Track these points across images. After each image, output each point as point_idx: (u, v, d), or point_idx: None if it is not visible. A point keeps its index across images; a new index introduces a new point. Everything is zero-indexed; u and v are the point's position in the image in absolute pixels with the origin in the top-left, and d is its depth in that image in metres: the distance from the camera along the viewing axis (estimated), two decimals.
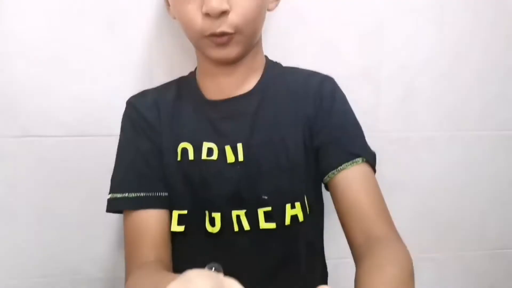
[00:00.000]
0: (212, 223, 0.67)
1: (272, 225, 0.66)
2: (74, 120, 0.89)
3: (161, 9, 0.87)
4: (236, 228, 0.67)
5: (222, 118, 0.70)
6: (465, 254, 1.12)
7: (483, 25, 0.98)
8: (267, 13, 0.71)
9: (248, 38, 0.65)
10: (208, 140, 0.69)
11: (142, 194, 0.67)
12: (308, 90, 0.71)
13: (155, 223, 0.66)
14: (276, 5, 0.72)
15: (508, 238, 1.13)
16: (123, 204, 0.67)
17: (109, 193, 0.69)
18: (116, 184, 0.69)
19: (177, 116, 0.71)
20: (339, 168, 0.65)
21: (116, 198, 0.67)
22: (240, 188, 0.67)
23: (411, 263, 0.56)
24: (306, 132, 0.69)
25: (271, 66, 0.75)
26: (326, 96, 0.70)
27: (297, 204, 0.67)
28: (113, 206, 0.68)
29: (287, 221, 0.66)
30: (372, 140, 0.96)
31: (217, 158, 0.68)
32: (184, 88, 0.74)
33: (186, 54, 0.86)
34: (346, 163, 0.65)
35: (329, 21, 0.93)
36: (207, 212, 0.67)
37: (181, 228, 0.68)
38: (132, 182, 0.68)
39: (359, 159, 0.65)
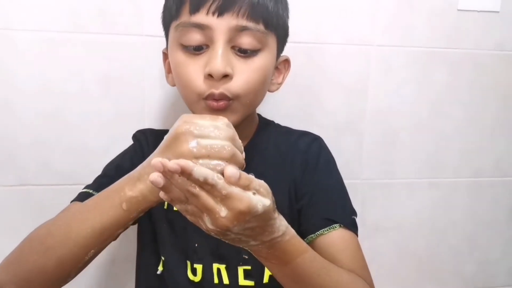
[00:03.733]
0: (194, 273, 0.68)
1: (251, 283, 0.68)
2: (69, 169, 0.91)
3: (155, 66, 0.90)
4: (216, 281, 0.68)
5: None
6: None
7: (461, 80, 1.03)
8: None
9: (245, 108, 0.64)
10: None
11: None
12: (296, 152, 0.71)
13: None
14: (278, 88, 0.71)
15: (484, 276, 1.17)
16: (82, 195, 0.67)
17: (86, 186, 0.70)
18: (92, 182, 0.70)
19: None
20: (316, 233, 0.65)
21: (84, 192, 0.68)
22: (223, 244, 0.67)
23: None
24: (292, 194, 0.69)
25: (263, 126, 0.75)
26: (312, 159, 0.70)
27: None
28: (76, 197, 0.67)
29: (265, 279, 0.68)
30: (355, 187, 1.03)
31: None
32: None
33: (179, 107, 0.89)
34: (323, 229, 0.65)
35: (314, 73, 0.96)
36: (189, 262, 0.68)
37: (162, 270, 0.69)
38: (99, 181, 0.69)
39: (336, 225, 0.65)
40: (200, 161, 0.47)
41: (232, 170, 0.43)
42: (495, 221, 1.14)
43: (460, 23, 0.99)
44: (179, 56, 0.61)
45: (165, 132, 0.68)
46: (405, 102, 1.02)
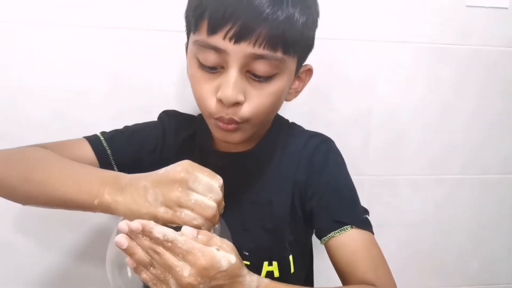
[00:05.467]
0: None
1: None
2: None
3: (165, 61, 0.90)
4: None
5: (219, 168, 0.72)
6: None
7: (470, 77, 1.02)
8: None
9: (255, 127, 0.63)
10: None
11: (107, 147, 0.71)
12: (303, 155, 0.70)
13: (87, 161, 0.68)
14: (296, 96, 0.70)
15: (488, 274, 1.18)
16: (93, 137, 0.71)
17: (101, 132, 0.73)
18: (109, 131, 0.74)
19: (184, 152, 0.73)
20: (328, 235, 0.65)
21: (97, 136, 0.72)
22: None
23: None
24: (296, 196, 0.69)
25: (277, 126, 0.74)
26: (319, 161, 0.70)
27: (275, 263, 0.69)
28: (89, 136, 0.72)
29: (262, 275, 0.69)
30: (361, 183, 1.02)
31: None
32: (200, 129, 0.73)
33: (188, 102, 0.88)
34: (334, 232, 0.65)
35: (323, 69, 0.95)
36: None
37: None
38: (113, 136, 0.72)
39: (348, 227, 0.65)
40: (184, 211, 0.49)
41: (188, 229, 0.47)
42: (500, 219, 1.14)
43: (469, 19, 0.99)
44: (195, 71, 0.61)
45: (188, 117, 0.69)
46: (413, 99, 1.02)
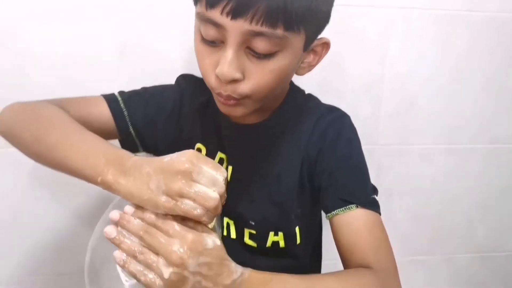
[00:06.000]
0: None
1: (254, 244, 0.71)
2: None
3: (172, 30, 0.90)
4: (225, 233, 0.72)
5: (231, 138, 0.72)
6: (455, 257, 1.19)
7: (483, 45, 1.01)
8: None
9: (258, 103, 0.62)
10: (222, 151, 0.72)
11: (124, 107, 0.71)
12: (316, 129, 0.69)
13: (103, 119, 0.70)
14: (308, 71, 0.67)
15: (496, 242, 1.20)
16: (111, 97, 0.72)
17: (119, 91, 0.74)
18: (128, 91, 0.74)
19: (199, 118, 0.73)
20: (333, 212, 0.65)
21: (114, 96, 0.72)
22: (234, 205, 0.69)
23: None
24: (305, 170, 0.69)
25: (292, 98, 0.72)
26: (331, 137, 0.68)
27: (280, 233, 0.70)
28: (107, 95, 0.72)
29: (268, 244, 0.70)
30: (372, 152, 1.03)
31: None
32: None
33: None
34: (339, 209, 0.64)
35: (333, 36, 0.95)
36: None
37: None
38: (131, 96, 0.73)
39: (353, 206, 0.64)
40: (184, 200, 0.48)
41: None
42: (509, 188, 1.15)
43: None
44: (198, 44, 0.60)
45: (205, 83, 0.65)
46: (425, 67, 1.01)
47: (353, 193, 0.65)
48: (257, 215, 0.70)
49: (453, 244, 1.18)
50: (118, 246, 0.49)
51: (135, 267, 0.48)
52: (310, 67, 0.66)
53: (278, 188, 0.70)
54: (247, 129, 0.71)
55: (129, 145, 0.74)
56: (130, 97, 0.73)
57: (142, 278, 0.48)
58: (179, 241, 0.47)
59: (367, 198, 0.66)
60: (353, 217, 0.64)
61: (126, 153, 0.54)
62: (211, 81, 0.59)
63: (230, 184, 0.66)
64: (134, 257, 0.48)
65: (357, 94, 1.00)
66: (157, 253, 0.48)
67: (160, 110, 0.74)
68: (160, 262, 0.47)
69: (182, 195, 0.48)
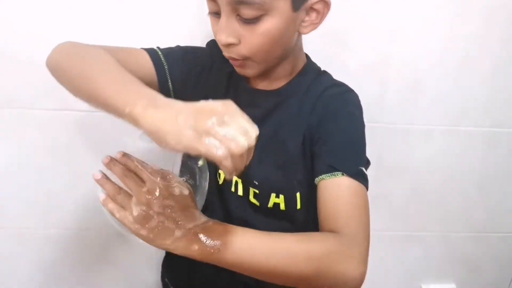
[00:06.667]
0: (219, 176, 0.79)
1: (257, 203, 0.76)
2: None
3: None
4: (233, 189, 0.78)
5: (246, 101, 0.76)
6: (451, 235, 1.23)
7: (493, 30, 1.02)
8: None
9: (261, 63, 0.69)
10: None
11: (164, 61, 0.77)
12: (320, 99, 0.74)
13: (146, 71, 0.75)
14: (314, 28, 0.70)
15: (491, 223, 1.24)
16: (152, 50, 0.77)
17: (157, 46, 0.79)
18: (166, 47, 0.80)
19: (224, 82, 0.80)
20: (320, 177, 0.67)
21: (154, 49, 0.78)
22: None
23: (328, 262, 0.58)
24: (307, 138, 0.73)
25: (306, 71, 0.78)
26: (333, 108, 0.73)
27: (282, 196, 0.74)
28: (147, 48, 0.78)
29: (270, 204, 0.75)
30: (376, 130, 1.06)
31: None
32: None
33: None
34: (325, 174, 0.67)
35: (342, 16, 0.96)
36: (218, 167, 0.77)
37: None
38: (169, 52, 0.79)
39: (339, 173, 0.66)
40: (210, 138, 0.48)
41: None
42: (508, 172, 1.18)
43: None
44: (209, 16, 0.68)
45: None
46: (433, 49, 1.03)
47: (343, 162, 0.68)
48: (261, 175, 0.75)
49: (449, 223, 1.22)
50: (102, 186, 0.59)
51: (112, 205, 0.57)
52: (314, 25, 0.70)
53: (282, 153, 0.75)
54: (262, 94, 0.77)
55: (165, 92, 0.78)
56: (168, 52, 0.79)
57: (117, 215, 0.56)
58: (149, 185, 0.56)
59: (355, 168, 0.68)
60: (336, 184, 0.66)
61: (160, 94, 0.55)
62: (220, 46, 0.68)
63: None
64: (114, 196, 0.58)
65: (364, 72, 1.03)
66: (130, 194, 0.57)
67: (193, 66, 0.80)
68: (132, 201, 0.56)
69: (209, 133, 0.48)
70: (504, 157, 1.15)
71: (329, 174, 0.67)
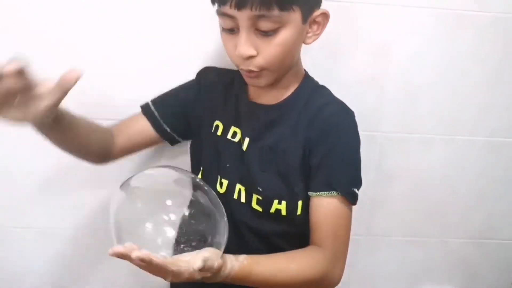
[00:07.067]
0: (221, 186, 0.85)
1: (260, 209, 0.82)
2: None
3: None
4: (235, 197, 0.84)
5: (248, 115, 0.85)
6: (450, 241, 1.25)
7: (488, 45, 1.05)
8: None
9: (275, 72, 0.75)
10: (235, 126, 0.85)
11: (155, 110, 0.89)
12: (319, 114, 0.80)
13: (139, 126, 0.89)
14: (315, 40, 0.78)
15: (490, 230, 1.25)
16: (144, 105, 0.90)
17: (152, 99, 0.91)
18: (157, 97, 0.92)
19: (222, 99, 0.88)
20: (317, 193, 0.77)
21: (147, 104, 0.90)
22: (246, 172, 0.83)
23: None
24: (307, 150, 0.79)
25: (305, 84, 0.84)
26: (333, 124, 0.79)
27: (284, 202, 0.80)
28: (143, 105, 0.91)
29: (272, 210, 0.81)
30: (374, 138, 1.10)
31: (237, 141, 0.84)
32: (238, 81, 0.86)
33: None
34: (323, 192, 0.77)
35: (340, 32, 1.01)
36: (219, 177, 0.85)
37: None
38: (160, 100, 0.91)
39: (335, 193, 0.76)
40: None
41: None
42: (506, 179, 1.20)
43: None
44: (221, 33, 0.75)
45: (227, 71, 0.90)
46: (429, 62, 1.06)
47: (339, 181, 0.77)
48: (265, 183, 0.81)
49: (448, 229, 1.24)
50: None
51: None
52: (316, 36, 0.78)
53: (283, 163, 0.81)
54: (263, 108, 0.83)
55: (169, 138, 0.92)
56: (158, 101, 0.91)
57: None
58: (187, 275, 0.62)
59: (350, 190, 0.77)
60: (328, 202, 0.77)
61: None
62: (235, 60, 0.74)
63: (246, 153, 0.82)
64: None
65: (362, 85, 1.06)
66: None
67: (184, 101, 0.90)
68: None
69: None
70: (501, 166, 1.18)
71: (326, 192, 0.77)
